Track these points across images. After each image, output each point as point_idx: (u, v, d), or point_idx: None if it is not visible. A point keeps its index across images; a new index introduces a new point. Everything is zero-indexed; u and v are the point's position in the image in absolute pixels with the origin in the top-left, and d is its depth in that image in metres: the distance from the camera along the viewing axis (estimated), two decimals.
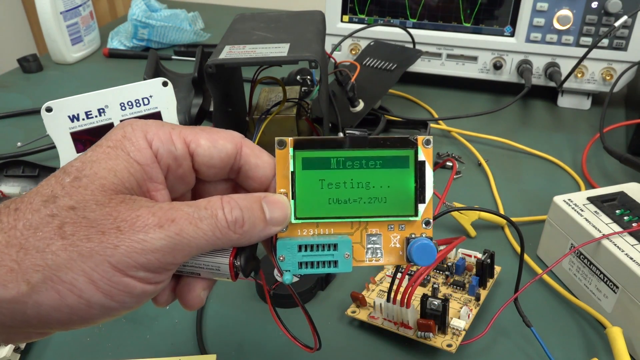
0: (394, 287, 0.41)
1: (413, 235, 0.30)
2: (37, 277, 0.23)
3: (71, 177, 0.25)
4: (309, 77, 0.82)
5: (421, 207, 0.29)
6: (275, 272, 0.49)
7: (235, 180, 0.31)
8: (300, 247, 0.28)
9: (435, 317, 0.41)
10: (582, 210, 0.47)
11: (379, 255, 0.30)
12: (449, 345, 0.40)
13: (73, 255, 0.23)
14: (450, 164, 0.66)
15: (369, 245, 0.30)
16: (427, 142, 0.29)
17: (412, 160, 0.29)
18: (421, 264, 0.29)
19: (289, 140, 0.29)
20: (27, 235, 0.23)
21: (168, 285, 0.29)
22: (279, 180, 0.29)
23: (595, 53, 0.76)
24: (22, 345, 0.42)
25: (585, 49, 0.75)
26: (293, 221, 0.29)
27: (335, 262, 0.29)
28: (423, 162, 0.29)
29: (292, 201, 0.29)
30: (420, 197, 0.29)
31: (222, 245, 0.26)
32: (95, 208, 0.24)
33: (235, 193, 0.28)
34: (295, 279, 0.29)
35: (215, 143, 0.28)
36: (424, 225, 0.30)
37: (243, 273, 0.28)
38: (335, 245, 0.28)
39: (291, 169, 0.29)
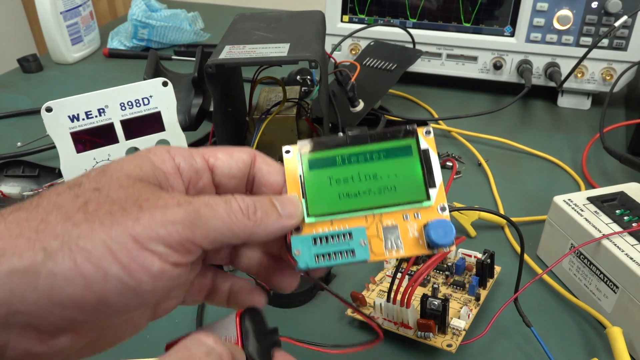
0: (394, 287, 0.41)
1: (431, 220, 0.29)
2: (55, 244, 0.22)
3: (97, 171, 0.26)
4: (309, 77, 0.82)
5: (433, 192, 0.29)
6: None
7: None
8: (315, 240, 0.28)
9: (435, 317, 0.41)
10: (582, 210, 0.47)
11: (399, 246, 0.29)
12: (449, 345, 0.40)
13: (94, 226, 0.23)
14: (450, 164, 0.66)
15: (387, 238, 0.29)
16: (428, 132, 0.30)
17: (414, 148, 0.30)
18: (442, 243, 0.28)
19: (295, 147, 0.30)
20: (50, 210, 0.24)
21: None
22: (289, 185, 0.30)
23: (595, 53, 0.76)
24: None
25: (585, 49, 0.75)
26: (307, 220, 0.29)
27: (352, 251, 0.28)
28: (427, 150, 0.29)
29: (303, 200, 0.29)
30: (429, 182, 0.29)
31: (239, 233, 0.26)
32: (118, 189, 0.25)
33: None
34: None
35: (232, 155, 0.30)
36: (439, 210, 0.29)
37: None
38: (350, 234, 0.28)
39: (299, 172, 0.30)
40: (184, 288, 0.30)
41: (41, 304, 0.22)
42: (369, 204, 0.29)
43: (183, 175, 0.28)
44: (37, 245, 0.22)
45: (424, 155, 0.29)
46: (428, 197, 0.29)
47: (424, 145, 0.29)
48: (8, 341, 0.23)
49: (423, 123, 0.74)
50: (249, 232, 0.27)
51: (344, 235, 0.28)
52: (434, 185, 0.29)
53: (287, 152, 0.30)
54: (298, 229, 0.29)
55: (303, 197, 0.29)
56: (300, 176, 0.30)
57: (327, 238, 0.28)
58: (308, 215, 0.29)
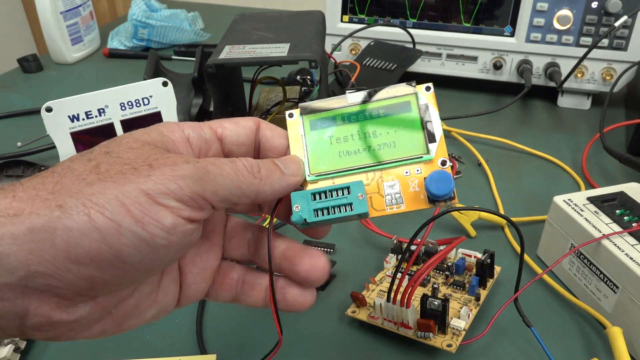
0: (394, 287, 0.41)
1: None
2: (70, 201, 0.23)
3: (108, 140, 0.27)
4: (309, 77, 0.82)
5: (433, 147, 0.29)
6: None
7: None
8: (314, 195, 0.29)
9: (435, 317, 0.41)
10: (582, 210, 0.47)
11: (399, 202, 0.29)
12: (449, 345, 0.40)
13: (107, 184, 0.24)
14: (451, 164, 0.66)
15: (388, 194, 0.29)
16: (428, 89, 0.30)
17: (414, 103, 0.30)
18: (441, 194, 0.28)
19: (297, 110, 0.31)
20: (64, 174, 0.24)
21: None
22: (292, 146, 0.31)
23: (595, 53, 0.76)
24: (22, 345, 0.42)
25: (585, 49, 0.75)
26: (308, 179, 0.30)
27: (350, 205, 0.29)
28: (426, 105, 0.30)
29: (305, 160, 0.30)
30: (429, 136, 0.29)
31: (247, 191, 0.27)
32: (127, 151, 0.26)
33: None
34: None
35: (238, 123, 0.31)
36: (440, 164, 0.29)
37: None
38: (347, 189, 0.29)
39: (301, 132, 0.31)
40: (207, 274, 0.31)
41: (59, 262, 0.23)
42: (370, 161, 0.30)
43: (193, 145, 0.29)
44: (53, 204, 0.23)
45: (424, 110, 0.30)
46: (428, 152, 0.29)
47: (423, 100, 0.30)
48: (28, 307, 0.23)
49: None
50: (256, 189, 0.27)
51: (342, 190, 0.29)
52: (434, 140, 0.29)
53: (291, 115, 0.31)
54: (301, 187, 0.30)
55: (305, 157, 0.30)
56: (302, 136, 0.30)
57: (325, 193, 0.29)
58: (310, 174, 0.30)
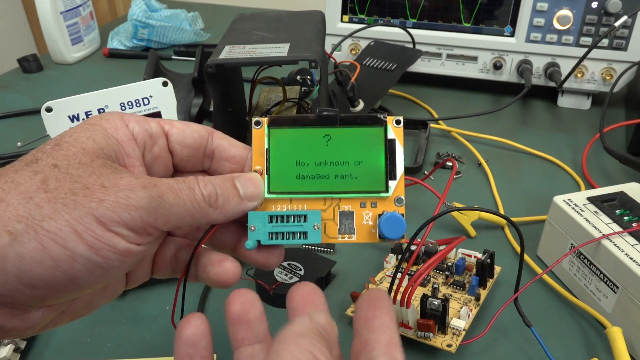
0: (394, 287, 0.41)
1: (385, 213, 0.30)
2: (19, 227, 0.22)
3: (52, 144, 0.26)
4: (309, 77, 0.82)
5: (392, 184, 0.30)
6: (276, 272, 0.49)
7: (209, 172, 0.32)
8: (271, 217, 0.29)
9: (435, 317, 0.41)
10: (582, 210, 0.47)
11: (351, 232, 0.30)
12: (449, 345, 0.40)
13: (57, 207, 0.23)
14: (450, 164, 0.66)
15: (342, 223, 0.30)
16: (398, 122, 0.30)
17: (381, 137, 0.30)
18: (391, 237, 0.29)
19: (265, 119, 0.30)
20: (9, 189, 0.23)
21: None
22: (255, 158, 0.30)
23: (595, 53, 0.76)
24: (23, 345, 0.42)
25: (585, 49, 0.75)
26: (266, 196, 0.30)
27: (305, 234, 0.29)
28: (393, 140, 0.30)
29: (266, 177, 0.30)
30: (390, 173, 0.30)
31: (199, 218, 0.27)
32: (78, 166, 0.25)
33: None
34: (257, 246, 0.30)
35: (188, 125, 0.31)
36: (396, 202, 0.30)
37: None
38: (305, 217, 0.29)
39: (266, 146, 0.30)
40: (150, 259, 0.31)
41: (10, 285, 0.23)
42: (329, 188, 0.30)
43: (137, 140, 0.28)
44: (1, 228, 0.22)
45: (390, 146, 0.30)
46: (386, 189, 0.30)
47: (391, 135, 0.30)
48: None
49: (423, 123, 0.74)
50: (209, 218, 0.27)
51: (299, 217, 0.29)
52: (394, 178, 0.30)
53: (257, 123, 0.30)
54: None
55: (266, 173, 0.30)
56: (267, 150, 0.30)
57: (283, 217, 0.29)
58: (269, 191, 0.30)
